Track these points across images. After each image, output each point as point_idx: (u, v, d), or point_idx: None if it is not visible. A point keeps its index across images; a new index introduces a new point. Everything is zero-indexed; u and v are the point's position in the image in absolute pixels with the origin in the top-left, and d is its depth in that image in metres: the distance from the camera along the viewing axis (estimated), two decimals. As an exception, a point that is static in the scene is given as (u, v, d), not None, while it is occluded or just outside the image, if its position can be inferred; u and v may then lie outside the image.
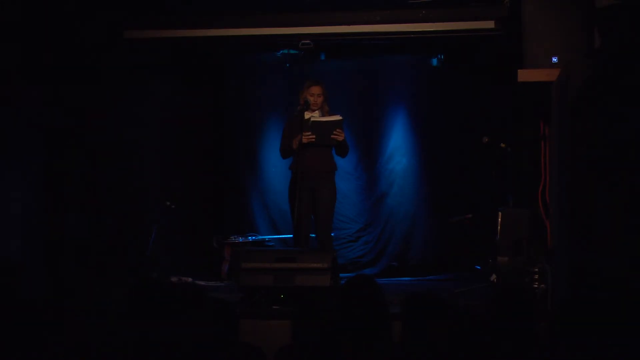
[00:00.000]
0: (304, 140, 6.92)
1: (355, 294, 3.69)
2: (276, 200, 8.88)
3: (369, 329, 3.56)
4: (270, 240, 8.67)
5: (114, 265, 7.55)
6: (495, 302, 3.55)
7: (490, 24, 7.25)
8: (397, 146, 8.90)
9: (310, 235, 7.17)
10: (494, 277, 6.72)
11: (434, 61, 8.70)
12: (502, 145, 7.24)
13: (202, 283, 7.86)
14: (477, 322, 3.44)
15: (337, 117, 7.02)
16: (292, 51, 8.56)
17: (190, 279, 7.92)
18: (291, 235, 7.53)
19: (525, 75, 6.18)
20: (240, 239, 8.44)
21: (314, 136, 6.94)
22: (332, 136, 6.95)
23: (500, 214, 6.76)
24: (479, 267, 7.97)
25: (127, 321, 3.69)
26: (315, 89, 7.08)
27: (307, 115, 7.08)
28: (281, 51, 8.69)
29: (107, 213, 7.74)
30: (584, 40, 6.06)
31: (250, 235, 8.62)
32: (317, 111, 7.10)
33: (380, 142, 8.93)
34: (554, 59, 6.08)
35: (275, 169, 8.81)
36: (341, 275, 6.76)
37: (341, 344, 3.48)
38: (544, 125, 6.47)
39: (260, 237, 8.69)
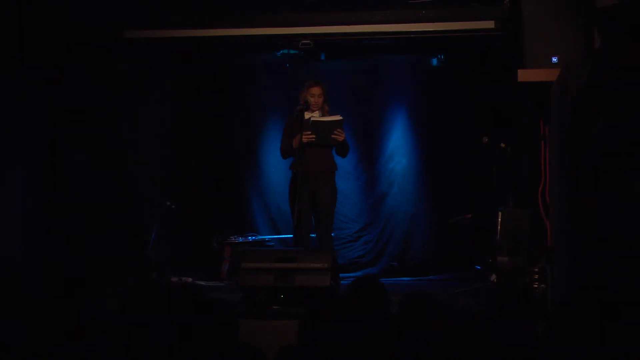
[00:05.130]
0: (304, 139, 6.92)
1: (361, 294, 3.71)
2: (276, 200, 8.88)
3: (372, 329, 3.56)
4: (270, 240, 8.68)
5: (114, 265, 7.55)
6: (495, 302, 3.55)
7: (490, 24, 7.26)
8: (397, 146, 8.90)
9: (311, 235, 7.17)
10: (494, 277, 6.72)
11: (434, 61, 8.70)
12: (502, 145, 7.24)
13: (202, 283, 7.87)
14: (477, 322, 3.44)
15: (338, 117, 7.02)
16: (292, 51, 8.56)
17: (190, 279, 7.93)
18: (291, 235, 7.53)
19: (525, 75, 6.18)
20: (240, 239, 8.44)
21: (314, 136, 6.94)
22: (332, 136, 6.95)
23: (500, 214, 6.75)
24: (479, 267, 7.96)
25: (127, 321, 3.69)
26: (316, 90, 7.07)
27: (307, 115, 7.08)
28: (281, 51, 8.70)
29: (107, 213, 7.74)
30: (584, 40, 6.06)
31: (250, 235, 8.62)
32: (317, 111, 7.10)
33: (380, 142, 8.94)
34: (554, 59, 6.07)
35: (275, 169, 8.81)
36: (341, 275, 6.77)
37: (343, 344, 3.48)
38: (544, 125, 6.47)
39: (260, 237, 8.69)
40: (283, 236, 8.69)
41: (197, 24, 7.76)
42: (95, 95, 7.60)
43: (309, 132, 6.94)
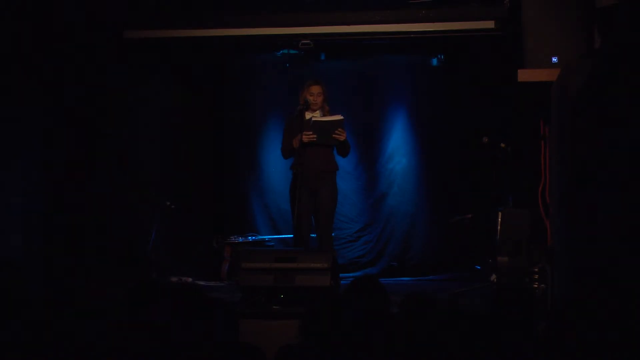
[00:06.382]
0: (305, 139, 6.92)
1: (360, 294, 3.71)
2: (276, 200, 8.88)
3: (371, 329, 3.56)
4: (270, 240, 8.67)
5: (114, 265, 7.55)
6: (495, 302, 3.55)
7: (490, 24, 7.26)
8: (397, 146, 8.90)
9: (311, 235, 7.17)
10: (494, 277, 6.72)
11: (434, 61, 8.70)
12: (502, 145, 7.24)
13: (202, 283, 7.87)
14: (477, 322, 3.44)
15: (339, 117, 7.02)
16: (292, 51, 8.56)
17: (190, 279, 7.93)
18: (291, 235, 7.52)
19: (525, 75, 6.18)
20: (240, 239, 8.44)
21: (314, 135, 6.94)
22: (333, 136, 6.95)
23: (500, 214, 6.76)
24: (479, 267, 7.97)
25: (127, 321, 3.69)
26: (315, 89, 7.07)
27: (307, 115, 7.08)
28: (281, 51, 8.70)
29: (107, 213, 7.74)
30: (584, 40, 6.06)
31: (250, 235, 8.62)
32: (317, 111, 7.10)
33: (380, 142, 8.94)
34: (554, 59, 6.07)
35: (275, 169, 8.81)
36: (341, 275, 6.77)
37: (343, 343, 3.48)
38: (544, 125, 6.47)
39: (260, 237, 8.69)
40: (283, 236, 8.68)
41: (197, 24, 7.75)
42: (95, 95, 7.60)
43: (310, 132, 6.94)
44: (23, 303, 3.90)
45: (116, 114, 7.91)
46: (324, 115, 7.09)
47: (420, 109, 8.87)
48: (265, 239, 8.66)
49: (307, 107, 7.07)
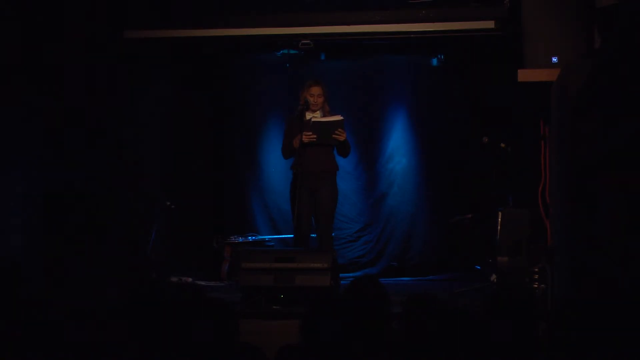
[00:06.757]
0: (305, 139, 6.92)
1: (360, 294, 3.71)
2: (276, 200, 8.87)
3: (371, 329, 3.56)
4: (270, 240, 8.67)
5: (114, 265, 7.55)
6: (495, 302, 3.55)
7: (490, 24, 7.25)
8: (397, 146, 8.90)
9: (311, 235, 7.17)
10: (494, 277, 6.73)
11: (434, 61, 8.70)
12: (502, 145, 7.24)
13: (202, 283, 7.87)
14: (477, 322, 3.43)
15: (338, 117, 7.02)
16: (292, 51, 8.55)
17: (190, 279, 7.93)
18: (291, 235, 7.52)
19: (525, 75, 6.18)
20: (240, 239, 8.44)
21: (314, 136, 6.94)
22: (333, 136, 6.95)
23: (500, 214, 6.76)
24: (479, 267, 7.97)
25: (126, 321, 3.69)
26: (316, 90, 7.07)
27: (307, 115, 7.08)
28: (281, 51, 8.69)
29: (107, 213, 7.74)
30: (584, 40, 6.06)
31: (250, 235, 8.62)
32: (317, 111, 7.10)
33: (380, 142, 8.93)
34: (554, 59, 6.07)
35: (275, 169, 8.81)
36: (341, 275, 6.77)
37: (343, 344, 3.48)
38: (544, 125, 6.47)
39: (260, 237, 8.68)
40: (283, 236, 8.68)
41: (197, 24, 7.75)
42: (95, 95, 7.60)
43: (310, 132, 6.94)
44: (23, 303, 3.90)
45: (116, 113, 7.91)
46: (324, 116, 7.09)
47: (420, 109, 8.86)
48: (265, 239, 8.66)
49: (307, 107, 7.08)
